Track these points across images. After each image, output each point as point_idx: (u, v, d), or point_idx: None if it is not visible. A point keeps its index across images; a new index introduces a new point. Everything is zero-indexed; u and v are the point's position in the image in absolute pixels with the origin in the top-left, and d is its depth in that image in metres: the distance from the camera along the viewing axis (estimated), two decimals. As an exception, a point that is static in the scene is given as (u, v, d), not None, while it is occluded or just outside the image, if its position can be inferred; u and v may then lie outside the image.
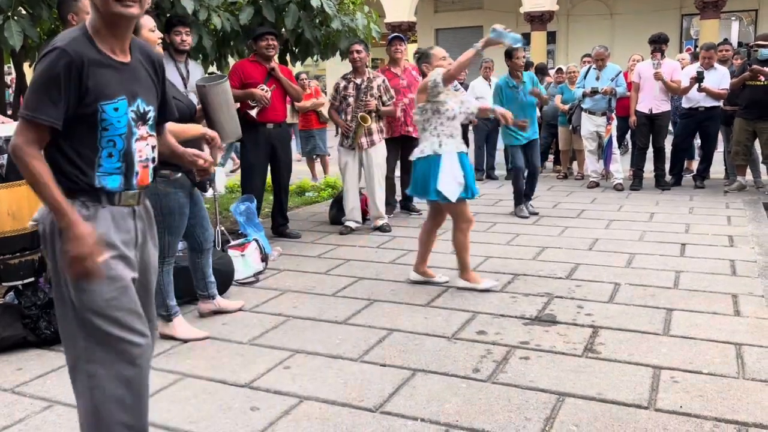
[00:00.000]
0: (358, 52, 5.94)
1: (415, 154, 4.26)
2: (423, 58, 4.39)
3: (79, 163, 1.96)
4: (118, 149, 2.00)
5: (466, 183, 4.14)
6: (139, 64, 2.08)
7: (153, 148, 2.14)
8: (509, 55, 6.41)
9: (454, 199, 4.11)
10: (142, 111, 2.05)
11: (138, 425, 2.07)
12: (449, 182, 4.09)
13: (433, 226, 4.47)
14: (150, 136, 2.11)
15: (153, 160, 2.14)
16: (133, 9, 1.94)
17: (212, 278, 3.87)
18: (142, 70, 2.08)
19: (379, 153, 6.09)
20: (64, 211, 1.89)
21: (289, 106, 10.32)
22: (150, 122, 2.11)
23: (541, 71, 9.76)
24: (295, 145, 9.93)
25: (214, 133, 3.01)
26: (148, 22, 3.30)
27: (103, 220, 1.99)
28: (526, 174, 6.70)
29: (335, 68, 6.90)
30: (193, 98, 4.45)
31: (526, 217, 6.52)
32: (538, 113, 9.26)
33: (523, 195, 6.68)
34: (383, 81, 6.09)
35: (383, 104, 6.03)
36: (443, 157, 4.11)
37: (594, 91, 7.96)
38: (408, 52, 6.85)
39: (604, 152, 8.21)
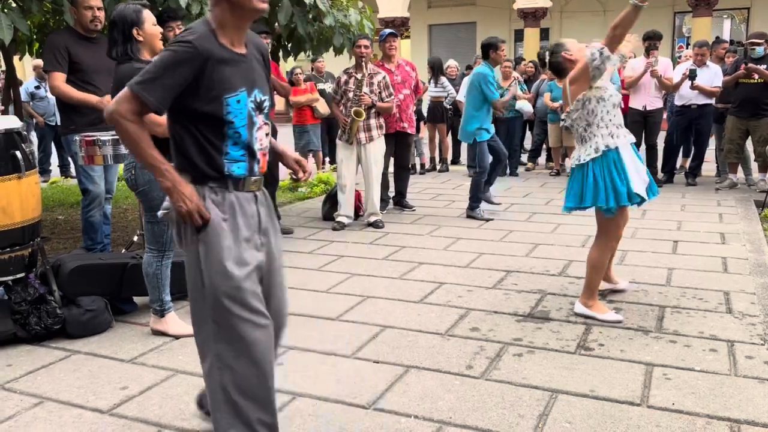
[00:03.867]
0: (365, 47, 5.93)
1: (583, 156, 3.52)
2: (559, 48, 3.67)
3: (209, 151, 2.07)
4: (242, 139, 2.10)
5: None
6: (252, 55, 2.17)
7: (267, 135, 2.23)
8: (495, 47, 6.18)
9: (647, 198, 3.52)
10: (259, 101, 2.15)
11: (265, 402, 2.13)
12: (638, 181, 3.45)
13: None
14: (265, 124, 2.20)
15: (267, 147, 2.25)
16: (265, 4, 2.08)
17: None
18: (255, 60, 2.17)
19: (377, 149, 6.07)
20: (164, 170, 2.02)
21: (283, 101, 10.32)
22: (266, 111, 2.20)
23: (542, 63, 9.74)
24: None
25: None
26: (150, 17, 3.29)
27: (229, 205, 2.09)
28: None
29: (336, 64, 6.88)
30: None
31: (491, 220, 6.25)
32: (531, 110, 9.29)
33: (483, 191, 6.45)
34: (384, 77, 6.06)
35: (382, 100, 6.01)
36: (622, 150, 3.46)
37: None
38: (400, 48, 6.82)
39: None
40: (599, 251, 3.65)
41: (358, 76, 5.94)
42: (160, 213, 2.18)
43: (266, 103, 2.19)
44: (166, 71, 1.97)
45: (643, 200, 3.52)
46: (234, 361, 2.07)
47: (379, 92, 5.98)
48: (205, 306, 2.07)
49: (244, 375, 2.08)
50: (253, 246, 2.14)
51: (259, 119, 2.16)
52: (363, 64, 5.96)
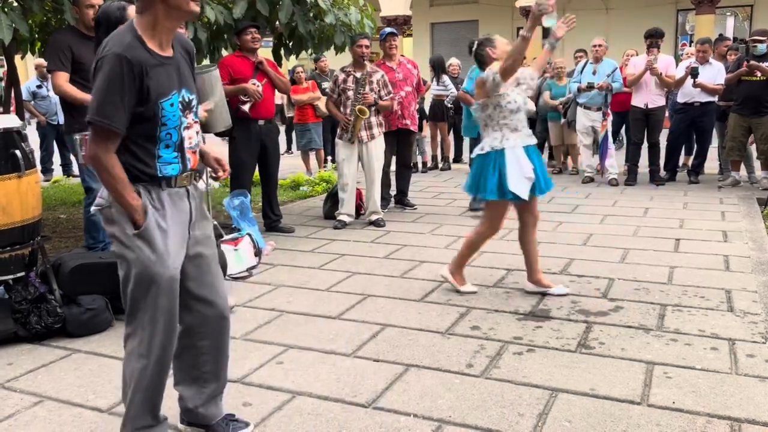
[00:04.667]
0: (366, 46, 5.94)
1: (475, 152, 3.97)
2: (486, 43, 4.02)
3: (142, 157, 2.12)
4: (173, 140, 2.16)
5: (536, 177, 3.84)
6: (179, 55, 2.20)
7: (197, 133, 2.29)
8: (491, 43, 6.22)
9: (526, 197, 3.81)
10: (187, 100, 2.19)
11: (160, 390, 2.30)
12: (518, 179, 3.80)
13: (525, 228, 4.09)
14: (195, 123, 2.26)
15: (198, 144, 2.29)
16: (198, 6, 2.12)
17: None
18: (182, 60, 2.21)
19: (378, 147, 6.07)
20: (135, 207, 2.09)
21: (285, 99, 10.32)
22: (194, 110, 2.26)
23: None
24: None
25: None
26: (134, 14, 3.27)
27: (162, 201, 2.16)
28: None
29: (338, 63, 6.86)
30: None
31: None
32: (533, 108, 9.26)
33: None
34: (382, 75, 6.06)
35: (381, 98, 6.00)
36: (507, 152, 3.81)
37: (590, 86, 7.95)
38: (402, 46, 6.83)
39: (599, 148, 8.20)
40: (477, 234, 4.07)
41: (358, 74, 5.93)
42: (93, 209, 2.23)
43: (194, 102, 2.24)
44: (109, 91, 1.99)
45: (518, 198, 3.83)
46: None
47: (378, 90, 5.97)
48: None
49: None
50: (181, 242, 2.21)
51: (188, 118, 2.21)
52: (364, 62, 5.96)
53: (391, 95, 6.13)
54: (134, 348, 2.21)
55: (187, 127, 2.20)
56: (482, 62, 4.01)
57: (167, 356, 2.25)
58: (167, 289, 2.16)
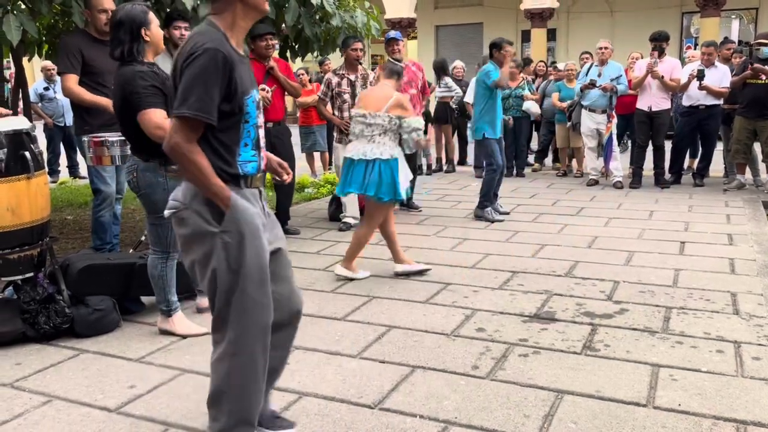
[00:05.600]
0: (361, 50, 5.97)
1: (375, 155, 4.32)
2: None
3: (225, 155, 2.11)
4: (252, 138, 2.19)
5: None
6: (246, 55, 2.25)
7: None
8: (498, 47, 6.24)
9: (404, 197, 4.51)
10: (257, 99, 2.20)
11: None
12: (404, 182, 4.41)
13: (390, 220, 4.58)
14: (263, 123, 2.28)
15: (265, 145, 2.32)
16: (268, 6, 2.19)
17: None
18: (247, 60, 2.24)
19: None
20: (223, 195, 2.07)
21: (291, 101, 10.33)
22: (261, 109, 2.25)
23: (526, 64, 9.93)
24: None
25: None
26: (155, 19, 3.31)
27: (242, 201, 2.14)
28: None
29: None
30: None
31: (500, 221, 6.22)
32: (538, 110, 9.29)
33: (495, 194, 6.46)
34: (375, 77, 6.11)
35: None
36: (399, 159, 4.38)
37: (592, 83, 7.92)
38: (407, 48, 6.85)
39: (604, 150, 8.20)
40: (366, 230, 4.52)
41: (352, 77, 5.96)
42: (166, 212, 2.20)
43: (260, 102, 2.26)
44: (208, 84, 2.00)
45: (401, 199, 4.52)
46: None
47: None
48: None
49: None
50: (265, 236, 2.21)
51: (260, 118, 2.22)
52: (357, 65, 6.00)
53: None
54: (227, 348, 2.16)
55: (260, 126, 2.22)
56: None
57: (266, 352, 2.22)
58: (259, 284, 2.13)
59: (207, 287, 2.16)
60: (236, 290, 2.11)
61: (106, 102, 4.25)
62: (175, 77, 2.09)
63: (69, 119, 9.41)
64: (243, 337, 2.15)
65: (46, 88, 9.68)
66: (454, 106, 9.56)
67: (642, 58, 8.47)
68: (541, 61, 11.82)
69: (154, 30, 3.27)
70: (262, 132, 2.24)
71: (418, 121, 4.44)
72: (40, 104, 9.61)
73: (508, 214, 6.51)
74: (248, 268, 2.11)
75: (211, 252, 2.10)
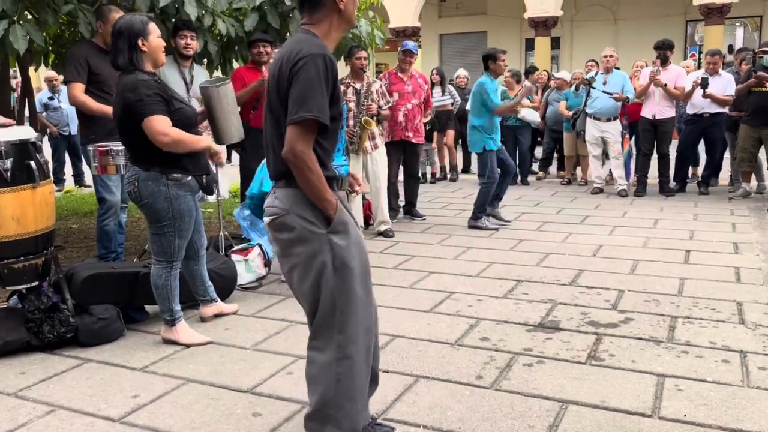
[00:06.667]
0: (365, 58, 5.99)
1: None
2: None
3: (324, 159, 2.15)
4: (342, 143, 2.25)
5: None
6: None
7: None
8: (493, 58, 6.23)
9: None
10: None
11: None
12: None
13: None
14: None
15: None
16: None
17: (210, 282, 3.88)
18: None
19: (382, 156, 6.10)
20: (332, 204, 2.12)
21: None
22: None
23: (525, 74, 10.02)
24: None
25: (218, 148, 3.33)
26: (156, 30, 3.33)
27: (342, 202, 2.20)
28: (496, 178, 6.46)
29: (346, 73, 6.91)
30: (195, 104, 4.46)
31: (495, 230, 6.24)
32: (539, 120, 9.32)
33: (488, 203, 6.43)
34: (380, 86, 6.14)
35: (380, 108, 6.05)
36: None
37: (588, 81, 7.93)
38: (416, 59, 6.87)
39: (626, 164, 8.22)
40: None
41: (357, 86, 5.98)
42: (266, 219, 2.22)
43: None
44: (322, 89, 2.04)
45: None
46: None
47: (378, 100, 6.02)
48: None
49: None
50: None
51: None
52: (362, 74, 6.02)
53: (390, 104, 6.18)
54: (334, 354, 2.15)
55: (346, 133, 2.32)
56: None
57: (369, 355, 2.24)
58: (365, 279, 2.19)
59: (308, 291, 2.16)
60: (345, 289, 2.13)
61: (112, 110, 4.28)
62: (280, 81, 2.10)
63: (74, 128, 9.54)
64: (351, 340, 2.16)
65: (51, 98, 9.76)
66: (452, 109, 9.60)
67: (646, 66, 8.48)
68: (544, 70, 11.83)
69: (153, 41, 3.28)
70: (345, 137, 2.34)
71: None
72: (44, 114, 9.67)
73: (509, 222, 6.51)
74: (355, 267, 2.15)
75: (318, 253, 2.12)
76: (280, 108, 2.10)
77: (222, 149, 3.90)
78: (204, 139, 3.46)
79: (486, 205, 6.39)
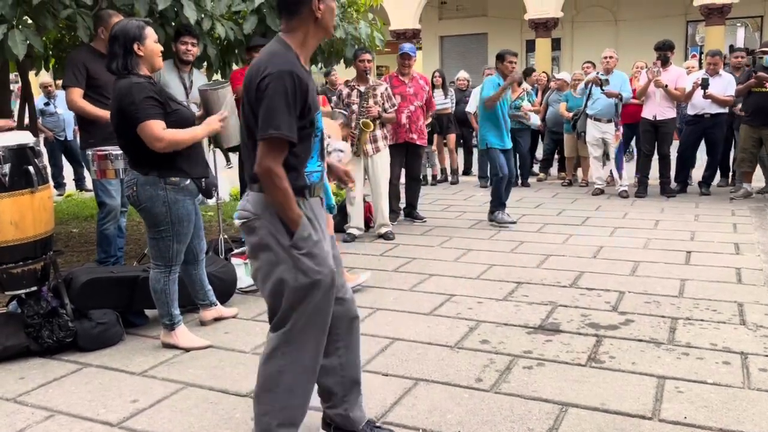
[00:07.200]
0: (369, 61, 5.99)
1: None
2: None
3: (297, 167, 2.18)
4: (317, 150, 2.27)
5: None
6: None
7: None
8: (500, 58, 6.40)
9: None
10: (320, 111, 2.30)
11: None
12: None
13: None
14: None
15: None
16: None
17: (209, 285, 3.87)
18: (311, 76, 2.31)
19: (384, 159, 6.10)
20: (297, 221, 2.15)
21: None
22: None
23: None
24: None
25: (217, 126, 3.43)
26: (152, 34, 3.32)
27: (310, 209, 2.24)
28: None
29: (347, 76, 6.90)
30: (194, 109, 4.47)
31: (513, 223, 6.49)
32: (539, 122, 9.31)
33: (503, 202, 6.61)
34: (386, 89, 6.11)
35: (385, 111, 6.04)
36: None
37: (600, 82, 7.89)
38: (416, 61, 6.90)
39: (616, 159, 8.18)
40: None
41: (361, 88, 5.98)
42: (237, 222, 2.27)
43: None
44: (289, 106, 2.07)
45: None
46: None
47: (383, 103, 6.01)
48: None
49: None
50: (329, 246, 2.32)
51: (324, 130, 2.35)
52: (366, 76, 6.02)
53: (395, 107, 6.17)
54: (287, 354, 2.22)
55: (324, 138, 2.33)
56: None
57: (319, 360, 2.30)
58: (328, 291, 2.22)
59: (268, 296, 2.24)
60: (303, 300, 2.18)
61: (108, 114, 4.28)
62: (249, 93, 2.14)
63: (69, 133, 9.67)
64: (300, 348, 2.22)
65: (47, 104, 9.83)
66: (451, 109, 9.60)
67: (647, 67, 8.46)
68: (543, 71, 11.82)
69: (149, 45, 3.28)
70: (324, 143, 2.34)
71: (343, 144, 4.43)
72: (40, 119, 9.73)
73: (515, 222, 6.53)
74: (315, 284, 2.17)
75: (278, 263, 2.17)
76: (252, 119, 2.15)
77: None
78: (201, 128, 3.45)
79: (502, 199, 6.56)
